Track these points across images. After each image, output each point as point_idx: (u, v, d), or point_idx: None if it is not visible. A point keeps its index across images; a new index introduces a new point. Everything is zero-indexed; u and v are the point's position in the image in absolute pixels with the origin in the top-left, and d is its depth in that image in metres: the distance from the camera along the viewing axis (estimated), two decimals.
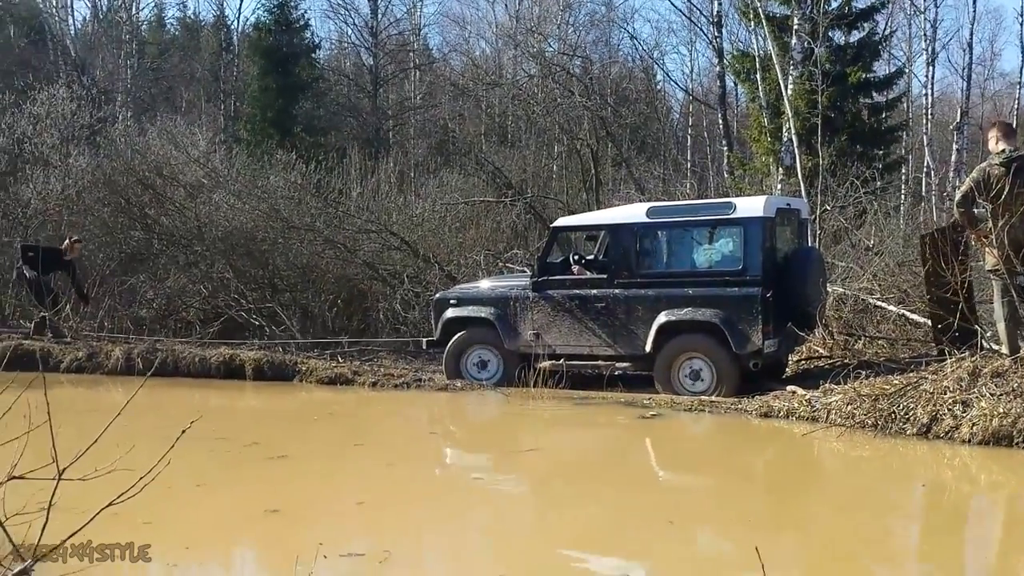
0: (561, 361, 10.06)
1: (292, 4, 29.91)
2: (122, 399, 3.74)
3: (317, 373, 11.10)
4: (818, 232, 11.60)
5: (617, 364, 9.96)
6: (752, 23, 19.89)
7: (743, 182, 18.30)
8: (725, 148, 23.39)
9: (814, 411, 8.29)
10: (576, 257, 10.68)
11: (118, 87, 29.85)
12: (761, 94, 18.94)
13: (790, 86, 16.45)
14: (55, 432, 3.54)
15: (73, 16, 32.01)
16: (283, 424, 9.56)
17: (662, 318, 9.52)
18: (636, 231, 9.85)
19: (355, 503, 6.12)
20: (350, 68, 35.56)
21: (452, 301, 10.78)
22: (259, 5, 41.36)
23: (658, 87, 33.95)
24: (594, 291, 9.95)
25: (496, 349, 10.43)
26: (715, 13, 23.97)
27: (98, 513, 3.45)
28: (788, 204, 10.43)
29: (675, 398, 9.36)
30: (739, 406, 8.89)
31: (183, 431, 3.63)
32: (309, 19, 31.85)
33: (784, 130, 17.28)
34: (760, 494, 6.70)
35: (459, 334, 10.61)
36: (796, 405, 8.53)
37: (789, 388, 9.19)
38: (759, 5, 16.12)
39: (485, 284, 11.27)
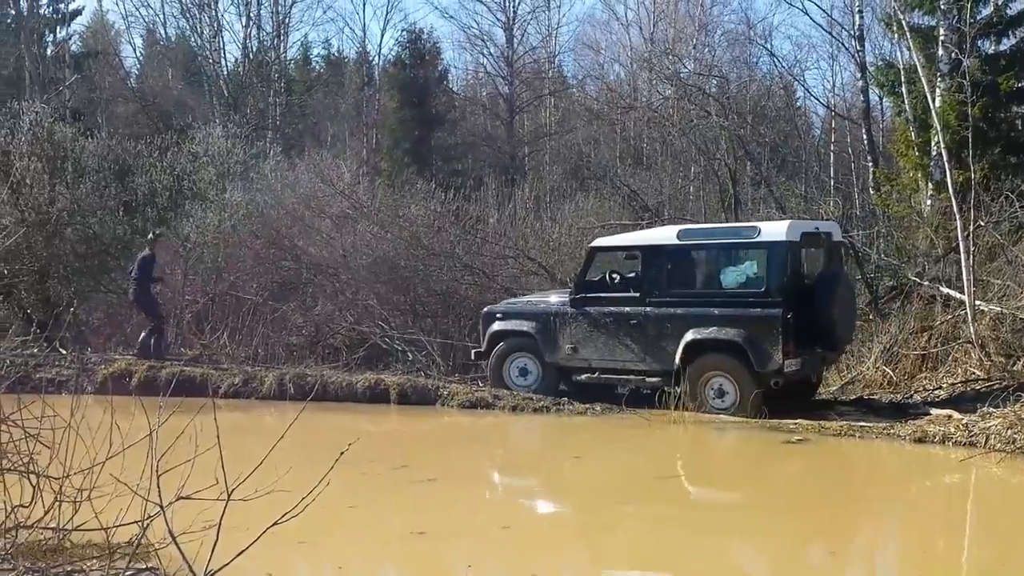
0: (596, 374, 10.54)
1: (424, 38, 30.90)
2: (274, 422, 3.97)
3: (458, 397, 11.27)
4: (971, 248, 11.10)
5: (647, 379, 10.30)
6: (896, 35, 19.23)
7: (890, 198, 17.66)
8: (870, 164, 22.59)
9: (972, 436, 7.96)
10: (613, 274, 11.14)
11: (268, 124, 31.21)
12: (907, 107, 18.20)
13: (938, 98, 15.81)
14: (215, 454, 3.76)
15: (225, 58, 33.46)
16: (429, 447, 9.77)
17: (689, 336, 9.90)
18: (667, 252, 10.26)
19: (500, 527, 6.21)
20: (486, 97, 36.16)
21: (498, 315, 11.38)
22: (395, 41, 42.62)
23: (798, 103, 33.21)
24: (627, 308, 10.40)
25: (536, 358, 11.04)
26: (857, 26, 23.25)
27: (264, 532, 3.63)
28: (816, 228, 10.60)
29: (822, 423, 9.12)
30: (891, 431, 8.60)
31: (341, 453, 3.79)
32: (440, 50, 33.05)
33: (933, 144, 16.56)
34: (922, 522, 6.48)
35: (500, 344, 11.25)
36: (952, 430, 8.21)
37: (943, 412, 8.84)
38: (903, 17, 15.55)
39: (524, 299, 11.91)
